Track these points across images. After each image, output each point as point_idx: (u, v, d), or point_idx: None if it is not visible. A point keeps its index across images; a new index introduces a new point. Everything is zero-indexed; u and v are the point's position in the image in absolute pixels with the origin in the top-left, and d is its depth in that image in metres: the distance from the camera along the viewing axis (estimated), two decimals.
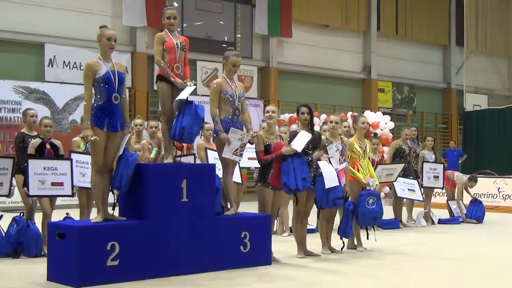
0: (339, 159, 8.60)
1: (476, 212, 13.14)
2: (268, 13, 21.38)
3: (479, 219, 13.05)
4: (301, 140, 7.94)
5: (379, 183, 9.76)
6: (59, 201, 9.04)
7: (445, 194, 13.86)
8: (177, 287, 6.47)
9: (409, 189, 12.06)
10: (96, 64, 6.73)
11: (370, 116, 18.93)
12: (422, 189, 12.34)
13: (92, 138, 6.61)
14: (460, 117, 26.38)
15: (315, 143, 8.27)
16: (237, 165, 8.28)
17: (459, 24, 26.19)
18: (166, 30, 7.56)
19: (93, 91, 6.76)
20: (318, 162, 8.13)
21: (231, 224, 7.51)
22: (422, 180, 12.39)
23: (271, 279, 6.92)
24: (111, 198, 7.22)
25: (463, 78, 24.81)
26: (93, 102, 6.74)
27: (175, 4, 19.67)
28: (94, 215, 6.99)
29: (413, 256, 8.65)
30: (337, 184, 8.12)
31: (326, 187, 8.04)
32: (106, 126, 6.70)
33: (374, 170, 9.72)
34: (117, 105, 6.77)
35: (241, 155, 7.70)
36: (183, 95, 7.29)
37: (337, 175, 8.21)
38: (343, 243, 8.86)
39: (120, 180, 6.86)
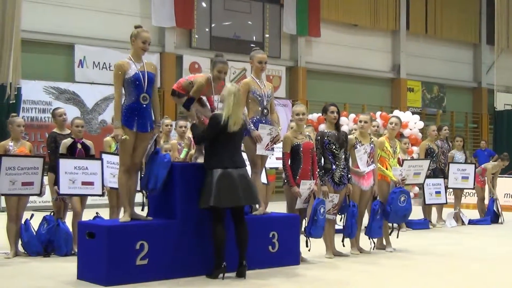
0: (367, 161, 8.58)
1: None
2: (296, 13, 21.36)
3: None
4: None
5: (407, 184, 9.76)
6: (89, 200, 9.11)
7: (476, 194, 13.70)
8: (205, 287, 6.50)
9: (436, 192, 11.93)
10: (126, 64, 6.75)
11: (399, 116, 18.79)
12: (446, 191, 12.23)
13: (122, 138, 6.64)
14: (491, 116, 26.03)
15: (341, 142, 8.26)
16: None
17: (489, 22, 25.86)
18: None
19: (123, 91, 6.80)
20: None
21: (259, 224, 7.50)
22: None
23: (299, 279, 6.92)
24: (138, 198, 7.25)
25: (494, 77, 24.44)
26: (123, 102, 6.78)
27: (204, 5, 19.74)
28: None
29: (443, 257, 8.58)
30: None
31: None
32: (136, 126, 6.72)
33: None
34: (147, 106, 6.78)
35: (272, 149, 7.71)
36: None
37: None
38: (374, 242, 8.84)
39: (155, 182, 6.86)
